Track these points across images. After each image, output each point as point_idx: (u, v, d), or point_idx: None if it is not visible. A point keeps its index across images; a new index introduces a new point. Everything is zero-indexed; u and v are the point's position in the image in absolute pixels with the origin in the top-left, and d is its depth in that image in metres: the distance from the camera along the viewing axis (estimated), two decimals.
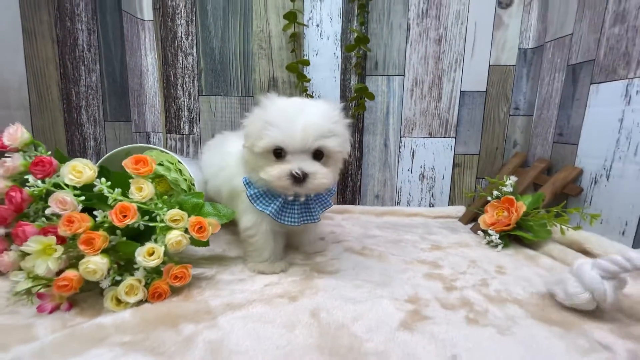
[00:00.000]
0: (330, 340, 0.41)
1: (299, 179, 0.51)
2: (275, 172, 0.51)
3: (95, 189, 0.49)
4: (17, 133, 0.55)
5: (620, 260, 0.44)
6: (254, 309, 0.48)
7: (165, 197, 0.55)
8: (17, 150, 0.57)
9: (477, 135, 0.99)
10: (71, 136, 0.74)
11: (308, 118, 0.51)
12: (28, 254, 0.48)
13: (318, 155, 0.53)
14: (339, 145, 0.54)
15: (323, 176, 0.52)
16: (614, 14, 0.68)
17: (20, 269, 0.51)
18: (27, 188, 0.54)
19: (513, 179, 0.84)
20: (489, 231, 0.76)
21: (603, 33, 0.70)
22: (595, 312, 0.48)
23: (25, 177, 0.54)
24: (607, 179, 0.68)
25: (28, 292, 0.49)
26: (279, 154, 0.52)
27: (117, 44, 0.89)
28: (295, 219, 0.59)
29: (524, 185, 0.85)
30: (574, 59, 0.78)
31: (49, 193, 0.54)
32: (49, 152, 0.58)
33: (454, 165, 1.01)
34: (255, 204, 0.58)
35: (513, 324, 0.45)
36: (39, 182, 0.53)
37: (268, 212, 0.57)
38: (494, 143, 0.99)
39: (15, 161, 0.54)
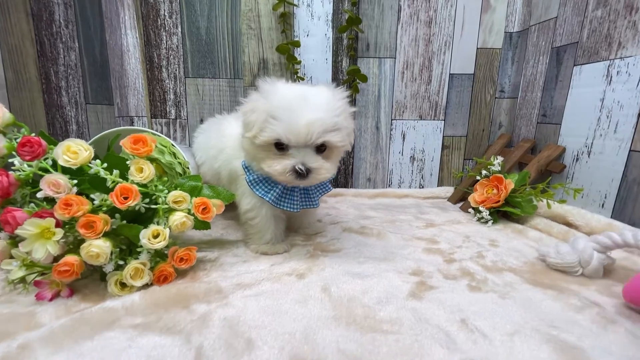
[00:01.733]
0: (345, 311, 0.42)
1: (302, 174, 0.50)
2: (279, 167, 0.51)
3: (91, 171, 0.47)
4: None
5: (614, 237, 0.48)
6: (264, 287, 0.48)
7: (165, 179, 0.53)
8: None
9: (465, 118, 1.02)
10: (52, 119, 0.70)
11: (313, 113, 0.49)
12: (20, 241, 0.45)
13: (321, 147, 0.52)
14: (343, 138, 0.53)
15: (326, 170, 0.52)
16: None
17: (11, 257, 0.49)
18: (13, 172, 0.50)
19: (500, 158, 0.87)
20: (480, 208, 0.79)
21: (586, 16, 0.73)
22: (581, 277, 0.52)
23: (10, 160, 0.51)
24: (588, 156, 0.73)
25: (22, 280, 0.47)
26: (281, 146, 0.51)
27: (96, 20, 0.84)
28: (295, 205, 0.59)
29: (510, 165, 0.89)
30: (558, 42, 0.81)
31: (35, 178, 0.51)
32: (33, 134, 0.54)
33: (443, 147, 1.04)
34: (254, 190, 0.57)
35: (511, 289, 0.48)
36: (26, 165, 0.50)
37: (268, 199, 0.57)
38: (481, 125, 1.03)
39: None
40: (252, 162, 0.57)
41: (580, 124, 0.75)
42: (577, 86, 0.76)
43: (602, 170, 0.69)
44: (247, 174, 0.58)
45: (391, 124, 1.02)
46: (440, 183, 1.07)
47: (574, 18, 0.77)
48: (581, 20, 0.75)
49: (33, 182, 0.53)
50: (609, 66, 0.68)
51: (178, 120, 1.01)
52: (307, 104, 0.50)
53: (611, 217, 0.66)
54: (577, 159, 0.76)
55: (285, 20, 0.91)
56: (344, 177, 1.06)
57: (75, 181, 0.47)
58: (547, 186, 0.74)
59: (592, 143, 0.72)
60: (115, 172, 0.48)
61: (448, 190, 1.04)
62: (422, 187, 1.07)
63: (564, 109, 0.79)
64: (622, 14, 0.65)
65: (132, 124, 1.02)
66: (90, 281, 0.49)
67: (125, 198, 0.46)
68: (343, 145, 0.54)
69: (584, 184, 0.74)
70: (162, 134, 1.02)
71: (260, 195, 0.57)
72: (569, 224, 0.71)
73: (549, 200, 0.71)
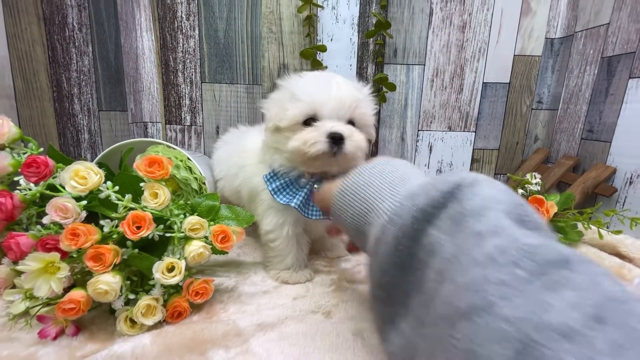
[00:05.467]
0: None
1: (338, 139, 0.45)
2: (310, 135, 0.46)
3: (102, 195, 0.42)
4: (4, 128, 0.47)
5: None
6: (287, 329, 0.43)
7: (181, 202, 0.49)
8: (2, 147, 0.49)
9: (498, 130, 0.95)
10: (63, 128, 0.66)
11: (341, 85, 0.48)
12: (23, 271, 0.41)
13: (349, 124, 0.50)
14: (371, 117, 0.51)
15: (360, 139, 0.48)
16: None
17: (14, 287, 0.45)
18: (18, 192, 0.46)
19: (538, 176, 0.80)
20: None
21: None
22: None
23: (15, 178, 0.47)
24: None
25: (25, 313, 0.43)
26: (308, 123, 0.48)
27: (110, 23, 0.80)
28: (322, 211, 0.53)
29: (549, 184, 0.81)
30: (610, 51, 0.74)
31: (43, 197, 0.47)
32: (41, 149, 0.50)
33: (473, 160, 0.97)
34: (278, 199, 0.52)
35: None
36: (32, 185, 0.46)
37: (293, 205, 0.52)
38: (515, 138, 0.95)
39: (3, 160, 0.46)
40: (275, 156, 0.52)
41: (636, 144, 0.67)
42: (633, 101, 0.68)
43: None
44: (270, 184, 0.53)
45: (417, 135, 0.95)
46: None
47: (630, 25, 0.69)
48: None
49: (42, 198, 0.49)
50: None
51: (193, 127, 0.96)
52: (334, 80, 0.49)
53: None
54: (630, 182, 0.68)
55: (310, 23, 0.86)
56: None
57: (84, 202, 0.43)
58: (595, 212, 0.67)
59: None
60: (128, 197, 0.43)
61: None
62: None
63: (616, 125, 0.71)
64: None
65: (145, 130, 0.98)
66: (99, 313, 0.45)
67: (138, 227, 0.41)
68: (370, 126, 0.52)
69: (638, 210, 0.66)
70: (176, 141, 0.98)
71: (284, 202, 0.52)
72: (620, 256, 0.64)
73: (601, 230, 0.64)
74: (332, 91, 0.47)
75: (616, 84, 0.72)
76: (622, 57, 0.71)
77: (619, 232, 0.64)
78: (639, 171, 0.66)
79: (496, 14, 0.87)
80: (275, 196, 0.52)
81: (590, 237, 0.68)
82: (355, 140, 0.47)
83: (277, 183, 0.52)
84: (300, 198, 0.52)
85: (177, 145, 0.89)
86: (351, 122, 0.49)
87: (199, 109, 0.95)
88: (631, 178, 0.68)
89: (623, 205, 0.69)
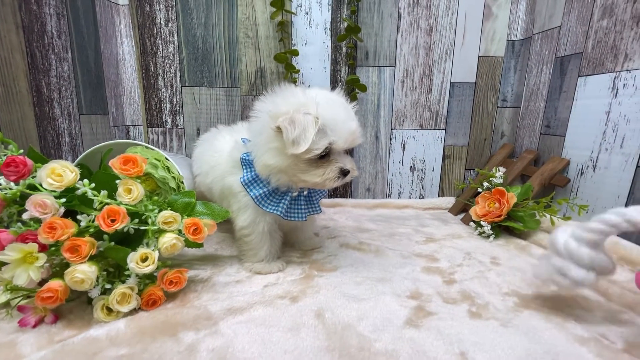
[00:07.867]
0: (339, 341, 0.41)
1: (346, 173, 0.53)
2: (332, 174, 0.52)
3: (79, 192, 0.45)
4: None
5: (600, 227, 0.41)
6: (255, 312, 0.47)
7: (156, 197, 0.52)
8: None
9: (466, 127, 1.00)
10: (43, 132, 0.68)
11: (354, 120, 0.54)
12: (5, 264, 0.44)
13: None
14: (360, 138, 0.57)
15: (355, 167, 0.56)
16: (602, 7, 0.69)
17: None
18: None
19: (502, 170, 0.85)
20: (481, 222, 0.77)
21: (591, 26, 0.71)
22: (585, 301, 0.50)
23: None
24: (594, 170, 0.70)
25: (6, 304, 0.45)
26: (323, 155, 0.52)
27: (90, 30, 0.82)
28: (302, 214, 0.59)
29: (512, 176, 0.86)
30: (562, 52, 0.79)
31: (23, 196, 0.50)
32: (21, 151, 0.53)
33: (444, 156, 1.02)
34: (263, 207, 0.56)
35: (514, 316, 0.47)
36: (12, 184, 0.48)
37: (278, 213, 0.56)
38: (482, 134, 1.01)
39: None
40: (279, 175, 0.54)
41: (585, 137, 0.72)
42: (582, 98, 0.74)
43: (608, 186, 0.67)
44: (252, 190, 0.56)
45: (391, 134, 1.00)
46: (441, 193, 1.05)
47: (578, 27, 0.75)
48: (586, 30, 0.73)
49: (22, 198, 0.51)
50: (614, 78, 0.66)
51: (174, 129, 0.99)
52: (348, 112, 0.54)
53: (617, 236, 0.64)
54: (582, 173, 0.73)
55: (284, 28, 0.90)
56: (343, 187, 1.04)
57: (63, 200, 0.46)
58: (550, 201, 0.72)
59: (597, 157, 0.70)
60: (103, 192, 0.46)
61: (449, 201, 1.02)
62: (423, 198, 1.05)
63: (568, 120, 0.77)
64: (629, 24, 0.63)
65: (127, 133, 1.01)
66: (77, 304, 0.48)
67: (113, 220, 0.44)
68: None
69: (589, 199, 0.71)
70: (158, 143, 1.01)
71: (270, 210, 0.56)
72: None
73: (552, 217, 0.69)
74: (350, 130, 0.52)
75: (568, 82, 0.78)
76: (572, 57, 0.76)
77: (568, 218, 0.69)
78: (587, 162, 0.72)
79: (460, 18, 0.92)
80: (259, 204, 0.56)
81: (547, 225, 0.73)
82: (354, 170, 0.55)
83: (260, 191, 0.55)
84: (285, 206, 0.56)
85: (159, 147, 0.91)
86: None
87: (179, 112, 0.98)
88: (582, 169, 0.73)
89: (576, 194, 0.75)
